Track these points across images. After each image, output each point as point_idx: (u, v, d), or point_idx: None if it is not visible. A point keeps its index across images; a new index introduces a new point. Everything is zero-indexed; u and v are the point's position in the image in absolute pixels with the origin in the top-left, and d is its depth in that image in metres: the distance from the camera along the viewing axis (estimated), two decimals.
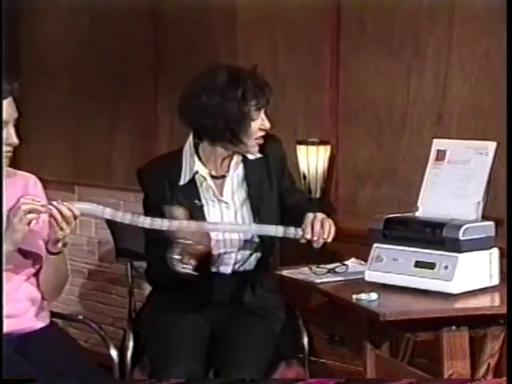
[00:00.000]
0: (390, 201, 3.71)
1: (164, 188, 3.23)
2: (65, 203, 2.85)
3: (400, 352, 3.17)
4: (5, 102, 2.93)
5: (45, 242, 2.98)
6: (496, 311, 2.87)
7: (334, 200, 3.92)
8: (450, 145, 3.04)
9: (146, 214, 3.23)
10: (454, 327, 2.82)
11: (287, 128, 3.92)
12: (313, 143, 3.85)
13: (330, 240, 3.05)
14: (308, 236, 3.03)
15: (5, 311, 2.99)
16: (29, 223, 2.81)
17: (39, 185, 3.15)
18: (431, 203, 2.98)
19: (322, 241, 3.04)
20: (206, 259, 3.16)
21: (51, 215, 2.84)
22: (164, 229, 2.97)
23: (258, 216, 3.26)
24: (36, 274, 3.08)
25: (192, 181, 3.25)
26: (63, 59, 4.90)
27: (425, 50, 3.69)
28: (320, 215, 3.07)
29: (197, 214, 3.19)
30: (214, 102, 3.14)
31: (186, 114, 3.26)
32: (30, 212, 2.81)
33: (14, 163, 3.04)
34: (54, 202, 2.85)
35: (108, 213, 2.95)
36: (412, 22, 3.71)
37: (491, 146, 2.94)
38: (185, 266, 3.03)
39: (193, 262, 3.03)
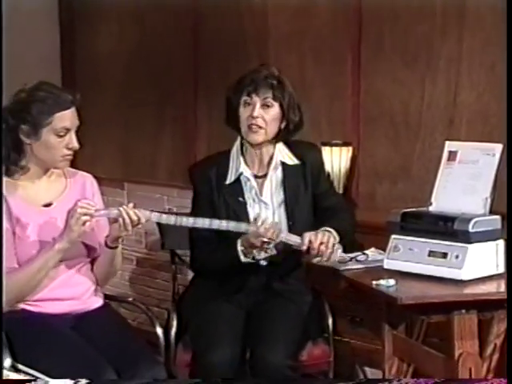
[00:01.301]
0: (405, 197, 3.69)
1: (212, 186, 3.22)
2: (134, 209, 2.87)
3: (415, 332, 3.15)
4: (68, 112, 2.95)
5: (105, 237, 3.00)
6: (502, 296, 2.84)
7: (355, 196, 3.91)
8: (460, 146, 3.02)
9: (194, 209, 3.23)
10: (463, 310, 2.80)
11: (313, 131, 3.90)
12: (336, 144, 3.84)
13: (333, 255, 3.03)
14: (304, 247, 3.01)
15: (64, 295, 3.02)
16: (83, 224, 2.83)
17: (95, 183, 3.17)
18: (443, 199, 2.97)
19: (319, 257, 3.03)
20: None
21: (120, 216, 2.86)
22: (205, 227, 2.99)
23: (292, 218, 3.22)
24: (91, 262, 3.11)
25: (237, 180, 3.23)
26: (113, 71, 4.91)
27: (437, 61, 3.67)
28: (321, 235, 3.02)
29: (240, 210, 3.19)
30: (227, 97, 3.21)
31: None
32: (85, 214, 2.82)
33: (72, 163, 3.06)
34: (125, 206, 2.87)
35: (165, 218, 2.97)
36: (425, 36, 3.69)
37: (498, 147, 2.92)
38: (247, 255, 3.08)
39: (254, 252, 3.07)
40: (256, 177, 3.25)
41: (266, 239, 2.98)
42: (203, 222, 2.99)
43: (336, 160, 3.82)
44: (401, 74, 3.77)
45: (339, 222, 3.15)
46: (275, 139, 3.23)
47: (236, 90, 3.18)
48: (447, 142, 3.07)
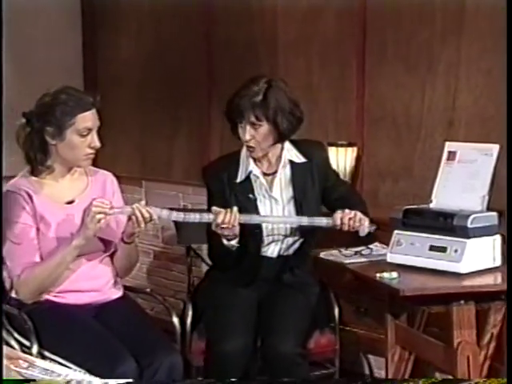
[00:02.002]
0: (407, 194, 3.68)
1: (224, 185, 3.22)
2: (146, 207, 2.88)
3: (416, 322, 3.16)
4: (89, 113, 2.96)
5: (121, 232, 3.01)
6: (498, 288, 2.86)
7: (359, 193, 3.91)
8: (459, 147, 3.02)
9: (209, 206, 3.22)
10: (462, 302, 2.81)
11: (320, 132, 3.90)
12: (342, 145, 3.84)
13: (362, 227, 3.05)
14: (338, 222, 3.02)
15: (86, 287, 3.03)
16: (98, 222, 2.84)
17: (115, 181, 3.18)
18: (443, 196, 2.97)
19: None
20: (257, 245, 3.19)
21: (133, 214, 2.87)
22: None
23: (301, 211, 3.22)
24: (111, 256, 3.12)
25: (247, 178, 3.23)
26: (132, 75, 4.91)
27: (437, 67, 3.66)
28: (348, 211, 3.05)
29: (250, 207, 3.19)
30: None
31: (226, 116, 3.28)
32: (99, 213, 2.83)
33: (93, 162, 3.07)
34: (137, 204, 2.88)
35: (175, 216, 2.97)
36: (426, 43, 3.68)
37: (495, 148, 2.92)
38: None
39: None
40: (265, 174, 3.26)
41: None
42: (208, 217, 2.98)
43: (341, 160, 3.82)
44: (403, 78, 3.77)
45: (354, 206, 3.14)
46: (278, 142, 3.22)
47: (228, 115, 3.18)
48: (447, 143, 3.07)
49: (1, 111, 2.24)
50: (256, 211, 3.19)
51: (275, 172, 3.25)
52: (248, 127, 3.13)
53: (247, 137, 3.14)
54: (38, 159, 2.98)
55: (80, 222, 2.92)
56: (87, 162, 3.01)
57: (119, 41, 4.98)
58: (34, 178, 3.01)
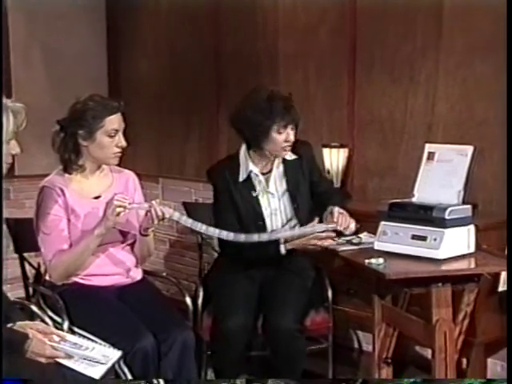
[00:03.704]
0: (392, 190, 3.67)
1: (229, 183, 3.21)
2: (160, 206, 2.87)
3: (399, 302, 3.14)
4: (116, 116, 2.96)
5: (139, 226, 3.01)
6: (472, 272, 2.86)
7: (350, 189, 3.90)
8: (438, 148, 3.00)
9: (216, 203, 3.23)
10: (440, 284, 2.79)
11: (315, 135, 3.90)
12: (334, 146, 3.84)
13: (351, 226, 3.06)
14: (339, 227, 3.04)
15: (109, 271, 3.04)
16: (118, 214, 2.83)
17: (137, 180, 3.18)
18: (424, 191, 2.95)
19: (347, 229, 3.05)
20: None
21: (149, 210, 2.86)
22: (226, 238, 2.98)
23: (296, 202, 3.24)
24: (132, 244, 3.12)
25: (248, 177, 3.23)
26: (150, 85, 4.92)
27: (418, 77, 3.66)
28: (337, 209, 3.05)
29: (253, 202, 3.20)
30: (248, 115, 3.10)
31: (232, 123, 3.24)
32: (119, 206, 2.83)
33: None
34: (154, 202, 2.87)
35: (184, 219, 2.94)
36: (408, 57, 3.68)
37: (469, 149, 2.90)
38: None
39: None
40: (263, 173, 3.25)
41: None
42: (213, 231, 2.97)
43: (334, 159, 3.82)
44: (388, 88, 3.77)
45: (336, 201, 3.16)
46: None
47: (269, 117, 3.08)
48: (427, 145, 3.05)
49: (0, 111, 2.23)
50: (258, 205, 3.20)
51: (270, 170, 3.25)
52: (291, 131, 3.12)
53: (293, 138, 3.14)
54: (71, 159, 2.99)
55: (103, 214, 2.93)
56: (115, 159, 3.01)
57: (138, 56, 4.99)
58: (66, 175, 3.01)
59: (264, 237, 3.04)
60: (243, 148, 3.25)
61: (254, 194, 3.22)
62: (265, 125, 3.08)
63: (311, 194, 3.30)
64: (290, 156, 3.26)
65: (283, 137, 3.12)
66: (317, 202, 3.25)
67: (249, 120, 3.10)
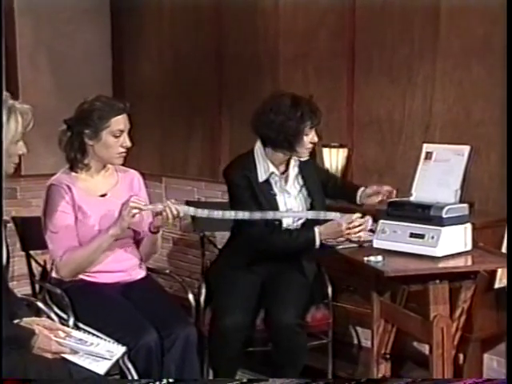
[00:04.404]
0: None
1: (250, 182, 3.17)
2: (175, 205, 2.86)
3: (397, 299, 3.14)
4: (121, 117, 2.96)
5: (149, 224, 3.00)
6: (469, 269, 2.85)
7: None
8: (435, 148, 2.99)
9: (235, 201, 3.19)
10: (437, 281, 2.79)
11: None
12: (334, 146, 3.83)
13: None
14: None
15: (115, 268, 3.03)
16: (133, 216, 2.83)
17: (141, 180, 3.18)
18: (422, 190, 2.94)
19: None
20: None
21: (164, 210, 2.85)
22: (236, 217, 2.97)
23: (311, 197, 3.25)
24: (137, 242, 3.12)
25: (267, 177, 3.21)
26: (154, 87, 4.91)
27: (416, 79, 3.65)
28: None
29: (272, 201, 3.18)
30: (278, 120, 3.09)
31: (256, 127, 3.18)
32: (135, 208, 2.82)
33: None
34: (168, 202, 2.86)
35: (199, 212, 2.93)
36: (406, 59, 3.67)
37: (466, 149, 2.89)
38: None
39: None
40: (280, 173, 3.25)
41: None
42: (230, 214, 2.96)
43: (334, 159, 3.81)
44: (386, 89, 3.76)
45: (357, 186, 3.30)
46: None
47: (300, 121, 3.09)
48: (424, 145, 3.04)
49: (0, 112, 2.22)
50: (276, 205, 3.19)
51: (286, 170, 3.24)
52: (315, 132, 3.14)
53: (317, 139, 3.17)
54: (77, 158, 2.99)
55: (112, 212, 2.92)
56: (120, 159, 3.01)
57: (142, 58, 4.98)
58: (73, 173, 3.01)
59: (278, 215, 3.08)
60: (259, 149, 3.21)
61: (273, 193, 3.21)
62: (297, 129, 3.09)
63: (325, 191, 3.33)
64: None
65: (309, 138, 3.14)
66: (337, 193, 3.33)
67: (281, 126, 3.09)
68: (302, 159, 3.23)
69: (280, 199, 3.22)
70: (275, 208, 3.17)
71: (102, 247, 2.92)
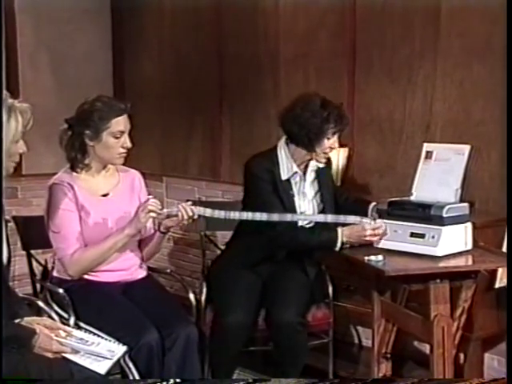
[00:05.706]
0: (391, 188, 3.65)
1: (274, 177, 3.16)
2: (191, 206, 2.86)
3: (398, 298, 3.14)
4: (122, 118, 2.96)
5: (159, 223, 3.01)
6: (469, 268, 2.86)
7: (350, 187, 3.88)
8: (435, 147, 3.00)
9: (255, 194, 3.16)
10: (438, 280, 2.79)
11: None
12: None
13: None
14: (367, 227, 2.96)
15: (116, 267, 3.03)
16: (149, 218, 2.84)
17: (142, 179, 3.18)
18: (422, 190, 2.95)
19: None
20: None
21: (179, 213, 2.85)
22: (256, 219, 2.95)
23: (324, 203, 3.25)
24: (138, 242, 3.12)
25: (289, 177, 3.20)
26: (154, 86, 4.91)
27: (416, 79, 3.64)
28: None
29: (290, 201, 3.18)
30: (304, 116, 3.09)
31: (282, 122, 3.18)
32: (152, 211, 2.83)
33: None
34: (184, 204, 2.87)
35: (216, 213, 2.91)
36: (407, 59, 3.67)
37: (466, 148, 2.90)
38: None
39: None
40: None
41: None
42: (247, 215, 2.95)
43: (335, 159, 3.79)
44: (387, 89, 3.75)
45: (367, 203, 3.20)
46: None
47: (326, 122, 3.09)
48: (425, 144, 3.05)
49: (0, 111, 2.22)
50: (294, 204, 3.18)
51: (304, 172, 3.24)
52: (337, 138, 3.14)
53: (337, 146, 3.17)
54: (78, 158, 2.98)
55: (114, 212, 2.93)
56: (120, 160, 3.01)
57: (143, 58, 4.98)
58: (74, 173, 3.01)
59: (296, 217, 3.07)
60: (283, 147, 3.20)
61: (291, 194, 3.20)
62: (321, 128, 3.09)
63: (336, 203, 3.30)
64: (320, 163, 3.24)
65: (330, 142, 3.13)
66: (349, 207, 3.21)
67: (305, 122, 3.09)
68: (319, 165, 3.22)
69: (297, 200, 3.22)
70: (293, 208, 3.16)
71: (117, 246, 2.92)
